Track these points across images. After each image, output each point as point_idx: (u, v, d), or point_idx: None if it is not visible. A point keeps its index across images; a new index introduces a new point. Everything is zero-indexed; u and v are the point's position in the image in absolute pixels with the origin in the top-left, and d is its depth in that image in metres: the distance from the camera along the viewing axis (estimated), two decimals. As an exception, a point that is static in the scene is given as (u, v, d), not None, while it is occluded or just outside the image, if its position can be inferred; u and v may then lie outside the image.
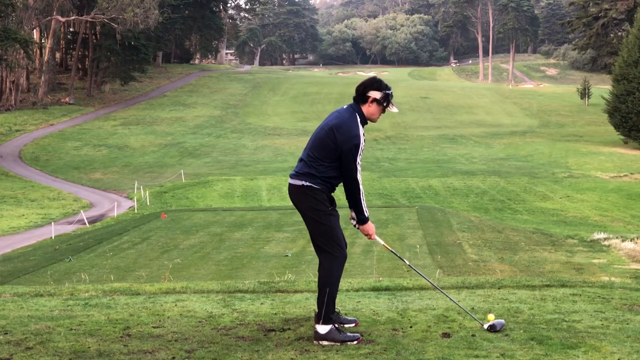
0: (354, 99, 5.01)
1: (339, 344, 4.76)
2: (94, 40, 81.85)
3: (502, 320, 5.12)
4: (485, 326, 4.99)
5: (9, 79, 72.08)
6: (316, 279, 5.20)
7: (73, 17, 77.58)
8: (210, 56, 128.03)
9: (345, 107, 5.03)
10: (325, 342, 4.78)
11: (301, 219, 5.10)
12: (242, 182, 42.60)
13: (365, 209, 5.00)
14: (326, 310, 4.85)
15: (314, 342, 4.81)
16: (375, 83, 4.98)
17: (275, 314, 5.66)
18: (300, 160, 5.02)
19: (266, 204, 35.57)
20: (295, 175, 4.98)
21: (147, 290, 6.91)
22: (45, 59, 76.90)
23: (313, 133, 5.04)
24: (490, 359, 4.30)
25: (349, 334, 4.87)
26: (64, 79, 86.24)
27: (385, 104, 4.97)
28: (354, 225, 5.12)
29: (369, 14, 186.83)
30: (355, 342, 4.77)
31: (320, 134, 4.94)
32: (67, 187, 43.49)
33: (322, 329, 4.81)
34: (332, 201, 5.03)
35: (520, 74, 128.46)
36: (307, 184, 4.90)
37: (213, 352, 4.51)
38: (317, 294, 4.99)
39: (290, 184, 5.02)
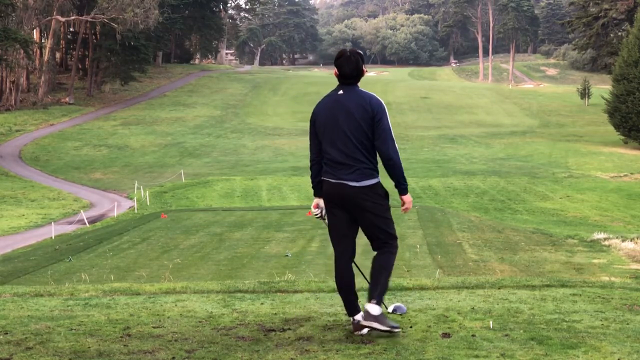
0: (353, 82, 5.08)
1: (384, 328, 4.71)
2: (94, 40, 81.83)
3: (403, 307, 5.29)
4: (390, 309, 5.18)
5: (9, 79, 72.05)
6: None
7: (73, 17, 77.55)
8: (210, 56, 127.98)
9: (358, 88, 5.08)
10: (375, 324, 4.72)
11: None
12: (242, 182, 42.58)
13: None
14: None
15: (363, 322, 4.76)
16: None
17: (275, 314, 5.66)
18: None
19: (266, 204, 35.56)
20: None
21: (147, 290, 6.91)
22: (45, 59, 76.85)
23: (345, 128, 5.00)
24: (490, 359, 4.29)
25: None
26: (64, 79, 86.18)
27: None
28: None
29: (369, 14, 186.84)
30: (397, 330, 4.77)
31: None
32: (67, 187, 43.49)
33: (374, 309, 4.78)
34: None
35: (520, 74, 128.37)
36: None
37: (213, 352, 4.51)
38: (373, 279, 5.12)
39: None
